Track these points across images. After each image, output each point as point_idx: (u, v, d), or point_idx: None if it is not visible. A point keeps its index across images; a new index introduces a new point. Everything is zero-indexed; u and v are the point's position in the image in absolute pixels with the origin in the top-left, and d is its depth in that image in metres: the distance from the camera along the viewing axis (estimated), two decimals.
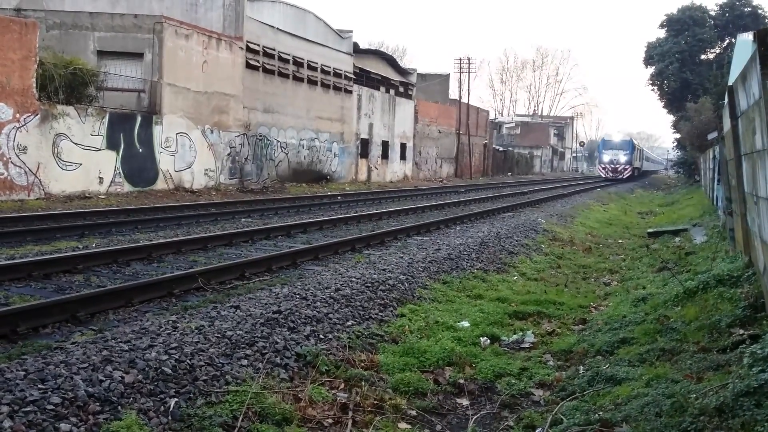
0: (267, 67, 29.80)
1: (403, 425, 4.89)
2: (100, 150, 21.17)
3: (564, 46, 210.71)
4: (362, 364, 5.86)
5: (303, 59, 32.68)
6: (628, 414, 4.41)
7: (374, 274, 8.84)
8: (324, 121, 34.88)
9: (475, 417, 5.13)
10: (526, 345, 7.02)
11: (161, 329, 5.67)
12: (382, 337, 6.76)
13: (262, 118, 29.72)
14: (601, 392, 5.13)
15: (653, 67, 52.23)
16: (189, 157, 25.11)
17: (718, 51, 49.81)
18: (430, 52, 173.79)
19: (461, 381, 5.77)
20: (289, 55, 31.51)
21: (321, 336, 6.33)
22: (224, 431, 4.42)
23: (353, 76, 37.82)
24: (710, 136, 20.33)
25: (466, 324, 7.33)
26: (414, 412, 5.13)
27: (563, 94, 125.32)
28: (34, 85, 18.98)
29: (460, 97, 56.82)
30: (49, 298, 6.88)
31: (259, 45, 29.14)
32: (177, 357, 5.05)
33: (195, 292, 7.94)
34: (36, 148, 19.00)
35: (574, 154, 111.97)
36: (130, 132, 22.40)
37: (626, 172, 54.97)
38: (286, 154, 31.68)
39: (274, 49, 30.24)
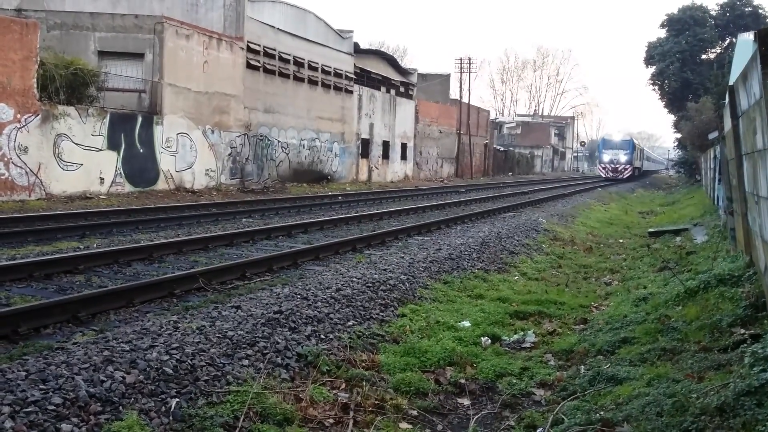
0: (268, 67, 29.81)
1: (404, 425, 4.89)
2: (101, 150, 21.18)
3: (565, 45, 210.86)
4: (363, 364, 5.86)
5: (303, 59, 32.69)
6: (630, 413, 4.41)
7: (375, 274, 8.84)
8: (325, 121, 34.89)
9: (477, 417, 5.13)
10: (527, 345, 7.02)
11: (162, 329, 5.67)
12: (383, 337, 6.76)
13: (263, 119, 29.73)
14: (602, 392, 5.13)
15: (654, 67, 52.21)
16: (190, 158, 25.12)
17: (718, 51, 49.79)
18: (430, 52, 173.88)
19: (462, 381, 5.77)
20: (289, 55, 31.52)
21: (322, 336, 6.33)
22: (225, 431, 4.42)
23: (354, 76, 37.82)
24: (711, 136, 20.32)
25: (467, 324, 7.33)
26: (415, 412, 5.13)
27: (564, 94, 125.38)
28: (35, 86, 18.99)
29: (461, 97, 56.85)
30: (51, 299, 6.89)
31: (259, 45, 29.15)
32: (178, 357, 5.05)
33: (196, 293, 7.95)
34: (37, 148, 19.01)
35: (575, 154, 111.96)
36: (131, 132, 22.41)
37: (626, 171, 54.54)
38: (287, 154, 31.69)
39: (274, 49, 30.24)
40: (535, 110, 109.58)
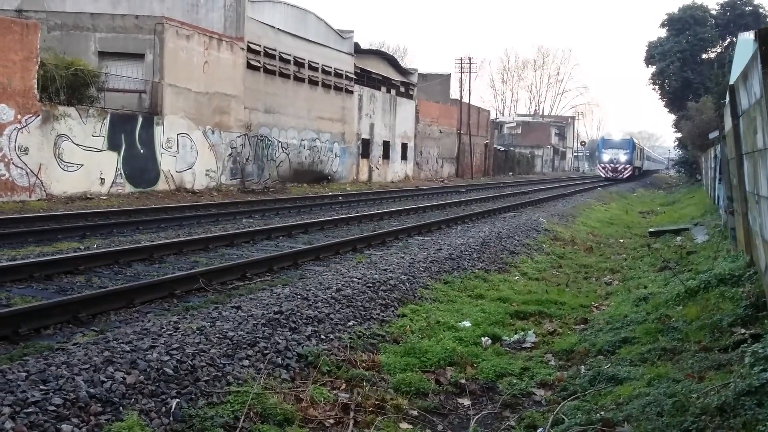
0: (268, 67, 29.82)
1: (404, 425, 4.89)
2: (101, 151, 21.18)
3: (565, 45, 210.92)
4: (364, 365, 5.86)
5: (304, 59, 32.70)
6: (630, 413, 4.41)
7: (375, 274, 8.84)
8: (325, 121, 34.90)
9: (477, 417, 5.13)
10: (528, 345, 7.01)
11: (163, 330, 5.67)
12: (384, 337, 6.76)
13: (263, 119, 29.74)
14: (602, 392, 5.13)
15: (654, 67, 52.20)
16: (190, 158, 25.12)
17: (719, 50, 49.78)
18: (431, 52, 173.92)
19: (463, 381, 5.77)
20: (290, 55, 31.53)
21: (322, 336, 6.33)
22: None
23: (354, 77, 37.83)
24: (711, 136, 20.31)
25: (467, 324, 7.33)
26: (415, 413, 5.13)
27: (564, 94, 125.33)
28: (36, 86, 19.00)
29: (461, 96, 56.84)
30: (51, 299, 6.89)
31: (260, 45, 29.15)
32: (178, 357, 5.05)
33: (196, 293, 7.95)
34: (37, 149, 19.02)
35: (576, 154, 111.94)
36: (132, 133, 22.42)
37: (626, 171, 54.17)
38: (287, 155, 31.69)
39: (275, 50, 30.25)
40: (535, 110, 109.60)
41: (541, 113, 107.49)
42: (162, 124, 23.59)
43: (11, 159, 18.30)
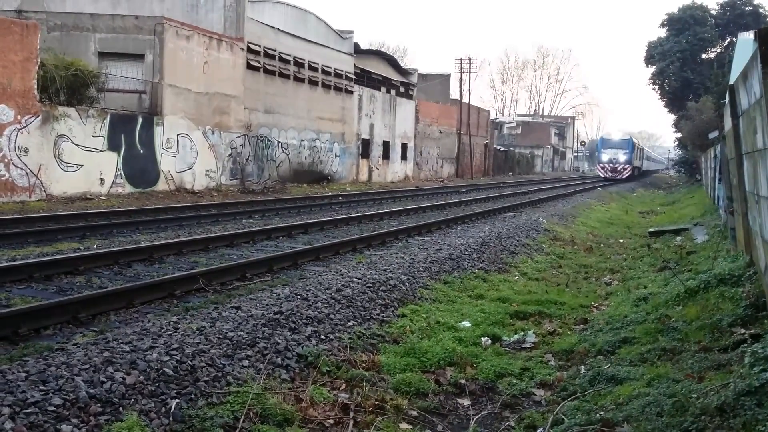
0: (268, 67, 29.82)
1: (404, 426, 4.89)
2: (101, 151, 21.19)
3: (565, 45, 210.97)
4: (363, 365, 5.86)
5: (304, 60, 32.70)
6: (630, 414, 4.41)
7: (375, 274, 8.83)
8: (325, 121, 34.90)
9: (477, 417, 5.13)
10: (528, 345, 7.01)
11: (162, 330, 5.67)
12: (384, 337, 6.76)
13: (263, 119, 29.74)
14: (602, 392, 5.13)
15: (654, 67, 52.17)
16: (190, 158, 25.13)
17: (719, 50, 49.77)
18: (430, 52, 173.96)
19: (462, 381, 5.77)
20: (290, 55, 31.53)
21: (322, 336, 6.33)
22: None
23: (354, 77, 37.83)
24: (711, 136, 20.31)
25: (467, 324, 7.33)
26: (415, 413, 5.13)
27: (564, 94, 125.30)
28: (36, 87, 19.00)
29: (461, 97, 56.84)
30: (51, 300, 6.89)
31: (260, 46, 29.16)
32: (178, 358, 5.05)
33: (196, 293, 7.95)
34: (37, 149, 19.02)
35: (575, 154, 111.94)
36: (131, 133, 22.42)
37: (626, 171, 53.69)
38: (287, 155, 31.70)
39: (275, 50, 30.25)
40: (535, 110, 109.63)
41: (540, 113, 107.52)
42: (162, 124, 23.59)
43: (11, 159, 18.30)
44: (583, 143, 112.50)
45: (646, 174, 68.09)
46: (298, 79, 32.38)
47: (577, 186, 41.43)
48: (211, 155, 26.34)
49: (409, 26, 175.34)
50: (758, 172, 5.76)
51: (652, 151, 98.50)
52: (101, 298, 6.97)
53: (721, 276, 7.33)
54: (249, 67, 28.46)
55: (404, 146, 45.19)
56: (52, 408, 4.07)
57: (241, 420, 4.52)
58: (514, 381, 5.79)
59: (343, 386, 5.40)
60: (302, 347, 5.94)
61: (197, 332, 5.66)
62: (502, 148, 72.61)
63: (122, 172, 21.99)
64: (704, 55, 50.15)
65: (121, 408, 4.31)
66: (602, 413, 4.58)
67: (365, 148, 39.55)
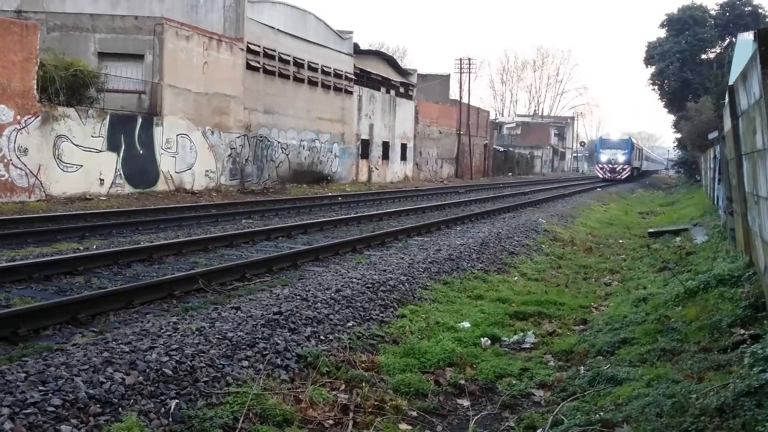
0: (267, 68, 29.82)
1: (403, 426, 4.89)
2: (100, 151, 21.18)
3: (564, 46, 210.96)
4: (363, 365, 5.86)
5: (303, 60, 32.70)
6: (629, 414, 4.41)
7: (375, 274, 8.83)
8: (324, 122, 34.90)
9: (476, 418, 5.13)
10: (527, 345, 7.01)
11: (162, 331, 5.67)
12: (383, 338, 6.76)
13: (263, 119, 29.74)
14: (601, 392, 5.13)
15: (654, 67, 52.16)
16: (190, 159, 25.12)
17: (718, 50, 49.78)
18: (430, 52, 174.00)
19: (462, 382, 5.77)
20: (289, 56, 31.53)
21: (322, 337, 6.33)
22: None
23: (354, 77, 37.84)
24: (711, 136, 20.33)
25: (466, 324, 7.33)
26: (415, 413, 5.13)
27: (564, 94, 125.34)
28: (35, 87, 19.00)
29: (461, 97, 56.84)
30: (50, 300, 6.89)
31: (259, 46, 29.15)
32: (178, 358, 5.05)
33: (196, 294, 7.94)
34: (37, 149, 19.02)
35: (575, 154, 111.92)
36: (131, 133, 22.42)
37: (625, 172, 53.26)
38: (287, 155, 31.70)
39: (274, 50, 30.25)
40: (534, 110, 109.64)
41: (540, 114, 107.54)
42: (161, 124, 23.59)
43: (11, 160, 18.30)
44: (582, 144, 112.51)
45: (645, 174, 67.92)
46: (298, 80, 32.38)
47: (576, 186, 41.44)
48: (211, 155, 26.33)
49: (409, 26, 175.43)
50: (758, 172, 5.76)
51: (651, 151, 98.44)
52: (101, 298, 6.97)
53: (720, 276, 7.34)
54: (248, 67, 28.46)
55: (404, 146, 45.20)
56: (52, 408, 4.07)
57: (241, 420, 4.51)
58: (514, 381, 5.79)
59: (343, 387, 5.40)
60: (302, 348, 5.94)
61: (197, 333, 5.65)
62: (501, 149, 72.63)
63: (122, 173, 21.99)
64: (704, 56, 50.15)
65: (120, 408, 4.31)
66: (602, 414, 4.58)
67: (365, 148, 39.55)
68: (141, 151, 22.76)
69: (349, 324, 6.87)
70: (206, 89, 25.90)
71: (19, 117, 18.50)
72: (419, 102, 48.36)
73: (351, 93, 37.62)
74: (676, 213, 23.25)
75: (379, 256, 10.84)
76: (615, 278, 11.18)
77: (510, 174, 68.47)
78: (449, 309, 8.09)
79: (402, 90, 45.16)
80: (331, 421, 4.79)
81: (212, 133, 26.36)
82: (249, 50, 28.41)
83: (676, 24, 50.40)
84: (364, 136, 39.47)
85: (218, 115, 26.69)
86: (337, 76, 35.96)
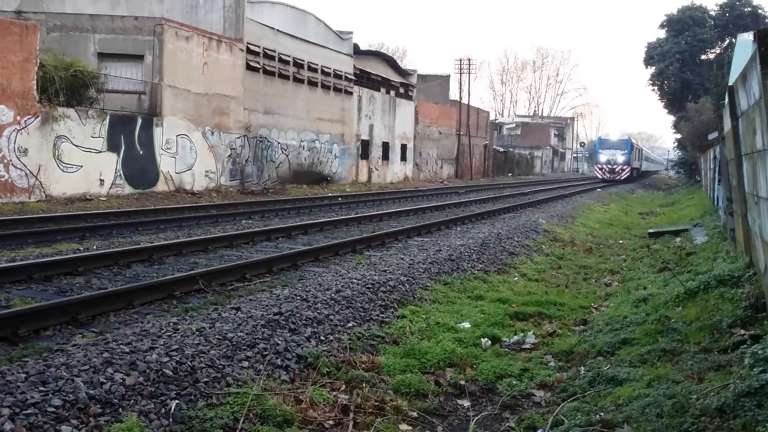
0: (267, 68, 29.82)
1: (404, 426, 4.89)
2: (100, 152, 21.18)
3: (564, 46, 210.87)
4: (363, 366, 5.86)
5: (303, 61, 32.70)
6: (630, 415, 4.41)
7: (375, 275, 8.83)
8: (324, 122, 34.91)
9: (476, 418, 5.13)
10: (527, 346, 7.01)
11: (162, 331, 5.67)
12: (383, 338, 6.75)
13: (263, 120, 29.74)
14: (602, 393, 5.13)
15: (653, 68, 52.17)
16: (189, 159, 25.12)
17: (718, 51, 49.78)
18: (430, 53, 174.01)
19: (462, 382, 5.77)
20: (289, 56, 31.53)
21: (322, 337, 6.33)
22: None
23: (353, 78, 37.84)
24: (711, 137, 20.33)
25: (467, 325, 7.33)
26: (415, 414, 5.13)
27: (563, 95, 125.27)
28: (35, 88, 18.99)
29: (461, 97, 56.83)
30: (50, 301, 6.89)
31: (259, 46, 29.16)
32: (178, 359, 5.05)
33: (196, 294, 7.94)
34: (37, 150, 19.02)
35: (575, 155, 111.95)
36: (131, 134, 22.42)
37: (624, 172, 52.76)
38: (287, 156, 31.70)
39: (274, 51, 30.26)
40: (534, 111, 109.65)
41: (540, 114, 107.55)
42: (161, 125, 23.59)
43: (10, 160, 18.29)
44: (582, 144, 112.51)
45: (645, 175, 67.68)
46: (298, 80, 32.38)
47: (576, 187, 41.44)
48: (211, 156, 26.34)
49: (409, 27, 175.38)
50: (757, 173, 5.76)
51: (651, 152, 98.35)
52: (101, 298, 6.97)
53: (720, 277, 7.34)
54: (248, 67, 28.46)
55: (404, 147, 45.20)
56: (52, 409, 4.07)
57: (241, 421, 4.51)
58: (514, 382, 5.79)
59: (343, 387, 5.40)
60: (302, 348, 5.94)
61: (197, 333, 5.65)
62: (501, 149, 72.63)
63: (122, 173, 21.99)
64: (703, 56, 50.16)
65: (120, 409, 4.31)
66: (602, 414, 4.58)
67: (365, 148, 39.55)
68: (141, 152, 22.75)
69: (350, 324, 6.87)
70: (206, 90, 25.90)
71: (18, 117, 18.50)
72: (419, 102, 48.36)
73: (351, 93, 37.63)
74: (676, 213, 23.26)
75: (379, 257, 10.84)
76: (615, 279, 11.18)
77: (510, 174, 68.46)
78: (449, 309, 8.09)
79: (402, 90, 45.17)
80: (331, 422, 4.78)
81: (212, 133, 26.36)
82: (249, 51, 28.42)
83: (675, 24, 50.41)
84: (364, 137, 39.47)
85: (218, 116, 26.69)
86: (337, 76, 35.96)
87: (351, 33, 37.56)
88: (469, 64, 58.77)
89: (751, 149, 6.12)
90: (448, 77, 60.90)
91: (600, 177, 53.58)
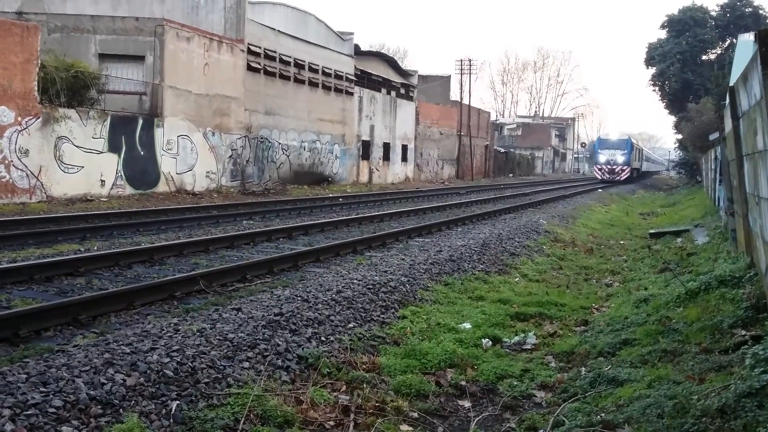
0: (268, 69, 29.83)
1: (404, 427, 4.88)
2: (101, 153, 21.19)
3: (565, 47, 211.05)
4: (364, 366, 5.86)
5: (304, 61, 32.72)
6: (630, 415, 4.40)
7: (376, 275, 8.83)
8: (325, 123, 34.92)
9: (477, 419, 5.12)
10: (528, 346, 7.01)
11: (163, 332, 5.67)
12: (384, 339, 6.75)
13: (264, 121, 29.75)
14: (603, 394, 5.12)
15: (654, 68, 52.14)
16: (190, 160, 25.14)
17: (719, 51, 49.75)
18: (431, 53, 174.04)
19: (463, 383, 5.76)
20: (290, 57, 31.54)
21: (322, 338, 6.33)
22: None
23: (354, 78, 37.85)
24: (712, 137, 20.31)
25: (467, 326, 7.32)
26: (416, 414, 5.13)
27: (564, 95, 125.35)
28: (36, 88, 19.01)
29: (461, 98, 56.86)
30: (51, 301, 6.89)
31: (260, 47, 29.17)
32: (179, 359, 5.05)
33: (196, 295, 7.95)
34: (38, 151, 19.03)
35: (576, 155, 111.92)
36: (132, 135, 22.43)
37: (624, 173, 52.03)
38: (288, 156, 31.71)
39: (275, 52, 30.27)
40: (535, 111, 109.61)
41: (541, 115, 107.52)
42: (162, 126, 23.60)
43: (11, 161, 18.31)
44: (583, 144, 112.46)
45: (645, 175, 67.24)
46: (299, 81, 32.39)
47: (577, 187, 41.43)
48: (212, 157, 26.35)
49: (410, 28, 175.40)
50: (759, 173, 5.76)
51: (652, 152, 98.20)
52: (102, 299, 6.97)
53: (721, 277, 7.33)
54: (249, 68, 28.48)
55: (404, 148, 45.21)
56: (53, 409, 4.07)
57: (242, 422, 4.51)
58: (515, 382, 5.78)
59: (344, 388, 5.40)
60: (303, 349, 5.94)
61: (198, 334, 5.65)
62: (502, 150, 72.62)
63: (123, 174, 22.00)
64: (704, 57, 50.13)
65: (121, 410, 4.31)
66: (603, 415, 4.57)
67: (365, 149, 39.56)
68: (142, 153, 22.77)
69: (350, 325, 6.87)
70: (207, 90, 25.91)
71: (20, 118, 18.51)
72: (420, 103, 48.37)
73: (352, 94, 37.64)
74: (677, 214, 23.25)
75: (380, 257, 10.84)
76: (616, 279, 11.17)
77: (511, 175, 68.45)
78: (450, 310, 8.09)
79: (403, 91, 45.18)
80: (332, 423, 4.78)
81: (213, 134, 26.37)
82: (250, 51, 28.43)
83: (676, 25, 50.39)
84: (365, 138, 39.48)
85: (219, 117, 26.70)
86: (338, 77, 35.98)
87: (352, 34, 37.59)
88: (470, 65, 58.84)
89: (752, 150, 6.12)
90: (448, 78, 60.93)
91: (599, 177, 52.91)
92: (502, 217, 18.96)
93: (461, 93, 56.71)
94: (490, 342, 6.90)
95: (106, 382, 4.51)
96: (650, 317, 7.04)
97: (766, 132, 4.94)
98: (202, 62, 25.57)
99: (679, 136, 46.45)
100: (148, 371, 4.78)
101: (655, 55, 51.61)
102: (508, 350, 6.83)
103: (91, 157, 20.74)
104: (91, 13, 25.36)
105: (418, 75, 49.20)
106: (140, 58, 24.02)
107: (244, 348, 5.60)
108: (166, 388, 4.70)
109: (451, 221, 16.73)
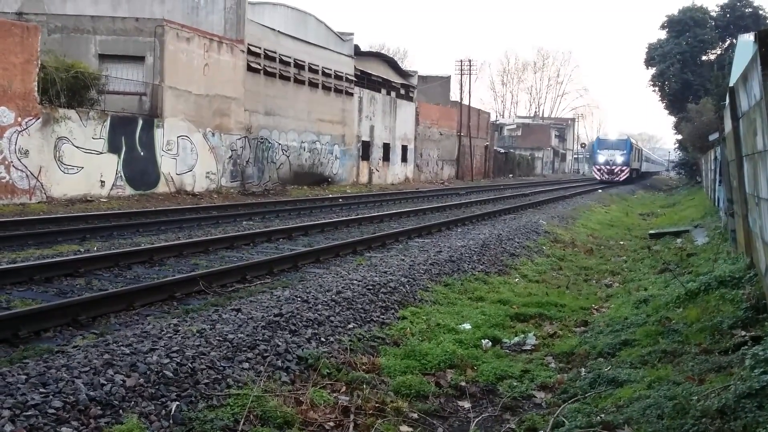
0: (268, 69, 29.84)
1: (404, 428, 4.88)
2: (101, 153, 21.19)
3: (565, 47, 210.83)
4: (364, 367, 5.86)
5: (304, 62, 32.72)
6: (630, 416, 4.40)
7: (375, 276, 8.83)
8: (325, 123, 34.92)
9: (477, 420, 5.12)
10: (528, 347, 7.00)
11: (163, 332, 5.67)
12: (384, 339, 6.75)
13: (264, 121, 29.75)
14: (602, 394, 5.12)
15: (654, 68, 52.14)
16: (190, 160, 25.14)
17: (719, 52, 49.75)
18: (431, 54, 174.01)
19: (463, 383, 5.76)
20: (290, 57, 31.54)
21: (322, 339, 6.32)
22: None
23: (354, 79, 37.85)
24: (711, 137, 20.31)
25: (467, 326, 7.32)
26: (415, 415, 5.13)
27: (564, 96, 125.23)
28: (36, 89, 19.01)
29: (461, 98, 56.85)
30: (51, 302, 6.89)
31: (260, 48, 29.17)
32: (178, 360, 5.05)
33: (196, 295, 7.95)
34: (38, 151, 19.03)
35: (576, 156, 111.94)
36: (132, 135, 22.43)
37: (623, 173, 51.74)
38: (288, 157, 31.71)
39: (275, 52, 30.27)
40: (535, 112, 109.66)
41: (541, 115, 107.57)
42: (162, 126, 23.60)
43: (11, 162, 18.30)
44: (583, 145, 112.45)
45: (645, 176, 67.07)
46: (299, 81, 32.40)
47: (577, 188, 41.43)
48: (212, 157, 26.35)
49: (410, 28, 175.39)
50: (758, 173, 5.76)
51: (652, 152, 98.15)
52: (101, 300, 6.97)
53: (721, 278, 7.33)
54: (249, 69, 28.48)
55: (404, 148, 45.21)
56: (52, 410, 4.07)
57: (242, 423, 4.51)
58: (515, 383, 5.78)
59: (344, 389, 5.40)
60: (302, 349, 5.93)
61: (197, 334, 5.65)
62: (502, 150, 72.63)
63: (122, 174, 22.00)
64: (704, 57, 50.14)
65: (121, 410, 4.31)
66: (603, 416, 4.57)
67: (365, 150, 39.56)
68: (142, 153, 22.77)
69: (350, 326, 6.87)
70: (207, 91, 25.91)
71: (20, 119, 18.51)
72: (420, 103, 48.38)
73: (351, 94, 37.64)
74: (677, 214, 23.25)
75: (379, 258, 10.84)
76: (616, 280, 11.17)
77: (511, 175, 68.45)
78: (450, 311, 8.09)
79: (402, 91, 45.18)
80: (331, 423, 4.78)
81: (213, 134, 26.37)
82: (250, 52, 28.43)
83: (676, 25, 50.40)
84: (365, 138, 39.48)
85: (219, 117, 26.71)
86: (338, 77, 35.98)
87: (352, 34, 37.60)
88: (470, 65, 58.85)
89: (751, 150, 6.12)
90: (448, 78, 60.93)
91: (598, 178, 52.56)
92: (502, 218, 18.96)
93: (461, 93, 56.76)
94: (490, 343, 6.90)
95: (105, 382, 4.51)
96: (650, 318, 7.04)
97: (765, 132, 4.94)
98: (202, 63, 25.57)
99: (679, 137, 46.45)
100: (148, 372, 4.78)
101: (655, 56, 51.61)
102: (507, 351, 6.82)
103: (90, 158, 20.74)
104: (91, 14, 25.36)
105: (418, 75, 49.21)
106: (140, 59, 24.03)
107: (244, 349, 5.60)
108: (166, 388, 4.70)
109: (450, 222, 16.73)
